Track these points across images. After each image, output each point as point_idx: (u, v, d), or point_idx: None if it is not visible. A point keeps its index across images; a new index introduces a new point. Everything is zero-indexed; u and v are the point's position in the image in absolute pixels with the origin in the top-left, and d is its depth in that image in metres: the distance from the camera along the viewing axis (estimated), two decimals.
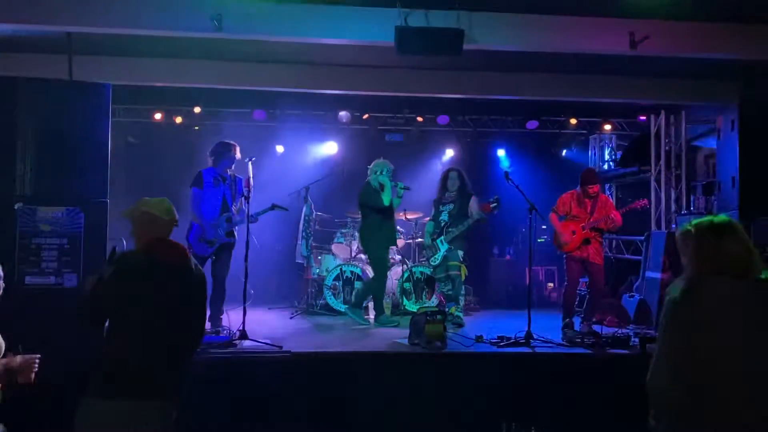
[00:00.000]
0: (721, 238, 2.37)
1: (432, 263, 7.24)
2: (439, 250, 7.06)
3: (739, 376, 2.24)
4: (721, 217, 2.45)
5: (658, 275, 7.07)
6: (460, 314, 7.03)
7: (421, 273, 8.02)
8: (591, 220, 6.43)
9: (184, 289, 3.05)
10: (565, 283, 6.74)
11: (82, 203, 5.19)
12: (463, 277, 7.15)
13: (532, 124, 9.43)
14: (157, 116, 8.97)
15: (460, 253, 7.06)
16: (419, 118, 9.44)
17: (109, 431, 2.78)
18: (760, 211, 5.85)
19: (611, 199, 6.85)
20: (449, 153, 10.10)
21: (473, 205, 6.98)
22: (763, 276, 2.34)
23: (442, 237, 7.03)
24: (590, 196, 6.54)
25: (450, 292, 7.14)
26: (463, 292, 7.25)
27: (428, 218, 7.56)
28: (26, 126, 5.17)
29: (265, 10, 5.67)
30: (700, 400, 2.24)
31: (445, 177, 7.23)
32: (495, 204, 6.77)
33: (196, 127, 9.31)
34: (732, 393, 2.23)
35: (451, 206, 7.07)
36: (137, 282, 2.92)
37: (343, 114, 9.21)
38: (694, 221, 2.47)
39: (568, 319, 6.42)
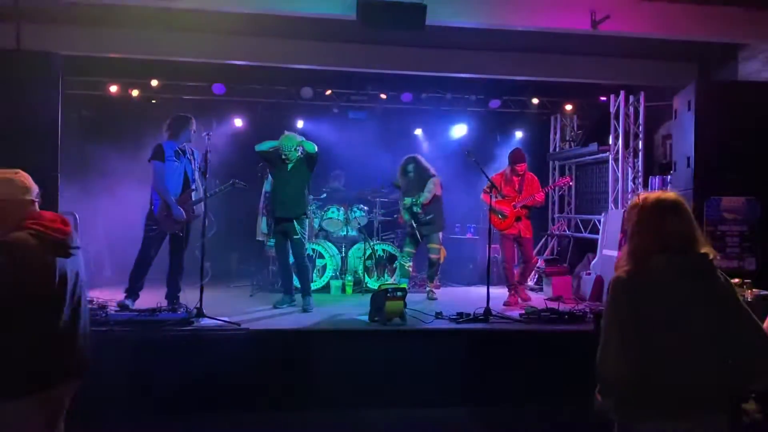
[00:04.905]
0: (665, 215, 2.37)
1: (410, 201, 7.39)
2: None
3: (679, 353, 2.26)
4: (669, 194, 2.45)
5: (614, 253, 7.20)
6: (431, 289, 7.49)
7: (383, 250, 8.03)
8: (520, 199, 7.04)
9: (75, 265, 2.74)
10: (504, 259, 7.27)
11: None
12: (442, 260, 7.49)
13: (494, 104, 9.45)
14: (113, 89, 8.67)
15: (440, 234, 7.48)
16: (382, 96, 9.36)
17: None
18: (714, 190, 5.97)
19: (536, 179, 7.27)
20: (413, 131, 10.05)
21: (436, 184, 7.38)
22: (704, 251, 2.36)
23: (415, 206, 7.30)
24: (518, 174, 7.17)
25: (408, 267, 7.56)
26: (438, 274, 7.64)
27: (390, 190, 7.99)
28: None
29: None
30: (644, 377, 2.26)
31: (405, 168, 7.57)
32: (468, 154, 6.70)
33: (154, 101, 9.04)
34: (672, 369, 2.25)
35: (414, 197, 7.36)
36: (33, 269, 2.57)
37: (305, 90, 9.06)
38: (643, 195, 2.47)
39: (511, 290, 7.07)
